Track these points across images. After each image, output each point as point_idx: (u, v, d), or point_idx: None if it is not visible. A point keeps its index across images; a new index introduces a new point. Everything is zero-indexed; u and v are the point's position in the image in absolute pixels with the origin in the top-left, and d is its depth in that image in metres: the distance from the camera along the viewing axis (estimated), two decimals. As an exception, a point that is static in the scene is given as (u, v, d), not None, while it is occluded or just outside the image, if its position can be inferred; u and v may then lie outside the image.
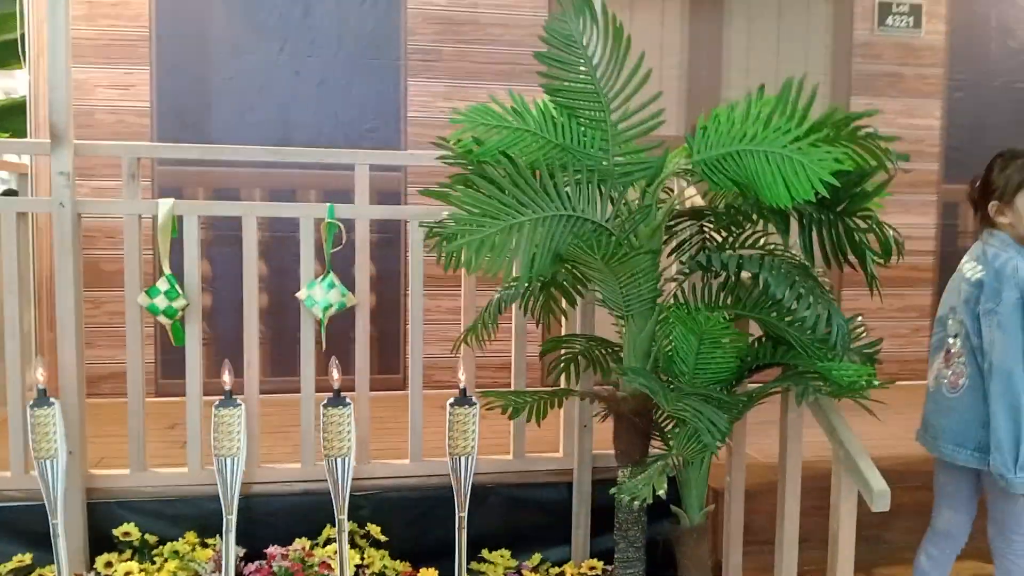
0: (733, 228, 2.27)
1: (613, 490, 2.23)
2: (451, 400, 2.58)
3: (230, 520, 2.58)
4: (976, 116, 4.70)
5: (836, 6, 4.53)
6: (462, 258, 2.09)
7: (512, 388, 2.86)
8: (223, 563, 2.57)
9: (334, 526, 2.81)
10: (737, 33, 4.42)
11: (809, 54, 4.53)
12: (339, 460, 2.57)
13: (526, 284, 2.36)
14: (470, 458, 2.60)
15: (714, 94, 4.41)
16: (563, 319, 2.72)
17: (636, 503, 1.97)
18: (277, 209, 2.98)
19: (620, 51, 2.15)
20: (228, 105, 4.01)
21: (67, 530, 2.52)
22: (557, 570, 2.88)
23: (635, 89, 2.19)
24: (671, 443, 2.24)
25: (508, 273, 2.05)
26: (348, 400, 2.56)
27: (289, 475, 2.83)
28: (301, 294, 2.76)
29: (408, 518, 2.90)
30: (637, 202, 2.21)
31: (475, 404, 2.59)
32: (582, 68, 2.16)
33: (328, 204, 2.76)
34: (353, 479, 2.69)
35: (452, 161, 2.31)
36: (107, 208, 2.70)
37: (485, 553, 2.88)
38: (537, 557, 2.93)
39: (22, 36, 3.83)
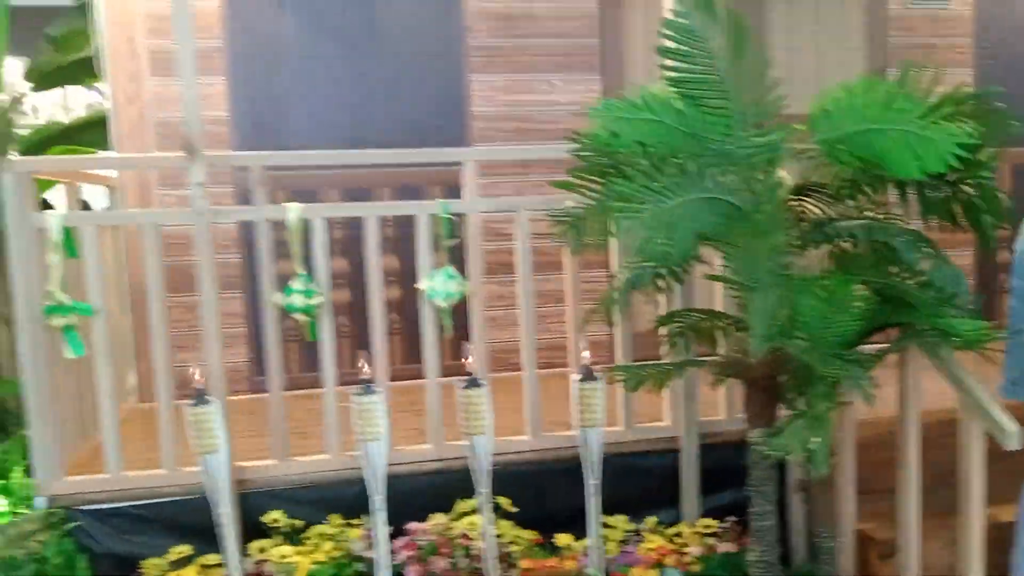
0: (845, 201, 2.46)
1: (761, 446, 2.42)
2: (577, 376, 2.77)
3: (378, 500, 2.76)
4: (1004, 81, 4.90)
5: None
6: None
7: (620, 363, 3.04)
8: (375, 541, 2.75)
9: (465, 500, 3.01)
10: (778, 14, 4.59)
11: (846, 30, 4.71)
12: (478, 438, 2.75)
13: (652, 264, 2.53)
14: (597, 429, 2.79)
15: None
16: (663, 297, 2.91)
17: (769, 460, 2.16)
18: (395, 208, 3.14)
19: (741, 41, 2.32)
20: (300, 109, 4.15)
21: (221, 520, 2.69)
22: (673, 530, 3.08)
23: (755, 76, 2.35)
24: (798, 404, 2.43)
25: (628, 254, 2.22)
26: (483, 382, 2.74)
27: (422, 455, 3.00)
28: (422, 285, 2.93)
29: (529, 490, 3.07)
30: (759, 182, 2.38)
31: (599, 379, 2.78)
32: (704, 59, 2.33)
33: (441, 201, 2.93)
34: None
35: (580, 154, 2.47)
36: (239, 215, 2.85)
37: (605, 518, 3.07)
38: (652, 519, 3.12)
39: (97, 52, 3.95)
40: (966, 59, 4.83)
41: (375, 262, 2.90)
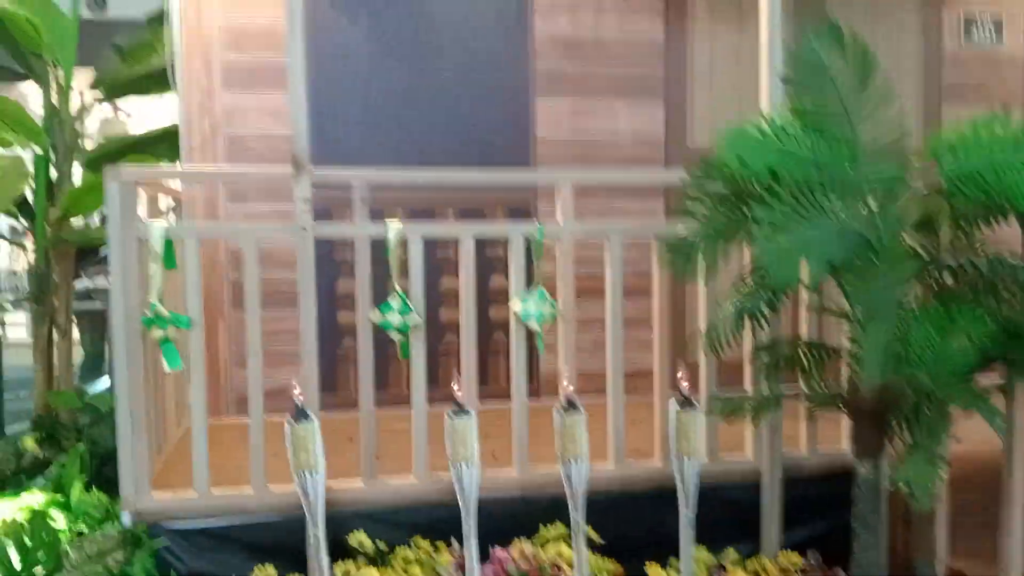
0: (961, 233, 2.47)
1: (870, 478, 2.40)
2: (675, 405, 2.75)
3: (471, 524, 2.73)
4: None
5: (924, 22, 4.76)
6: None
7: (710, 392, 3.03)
8: (468, 566, 2.71)
9: (549, 527, 2.98)
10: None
11: (902, 67, 4.75)
12: (574, 462, 2.72)
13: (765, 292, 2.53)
14: (695, 460, 2.77)
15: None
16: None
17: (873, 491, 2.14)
18: (490, 228, 3.13)
19: (867, 72, 2.34)
20: (370, 128, 4.15)
21: (315, 539, 2.65)
22: (755, 563, 3.05)
23: (878, 107, 2.36)
24: (908, 436, 2.42)
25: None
26: (581, 406, 2.72)
27: (505, 480, 2.96)
28: (516, 307, 2.91)
29: (609, 518, 3.04)
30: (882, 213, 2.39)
31: (698, 408, 2.76)
32: (829, 91, 2.34)
33: (538, 223, 2.93)
34: (558, 483, 2.86)
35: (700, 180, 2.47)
36: (341, 231, 2.83)
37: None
38: (732, 552, 3.09)
39: (171, 65, 3.95)
40: (1018, 99, 4.89)
41: (469, 282, 2.89)
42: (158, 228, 2.65)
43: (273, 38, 4.02)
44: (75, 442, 4.10)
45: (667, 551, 3.00)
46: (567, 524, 2.98)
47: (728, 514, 3.16)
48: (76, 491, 3.57)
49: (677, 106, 4.45)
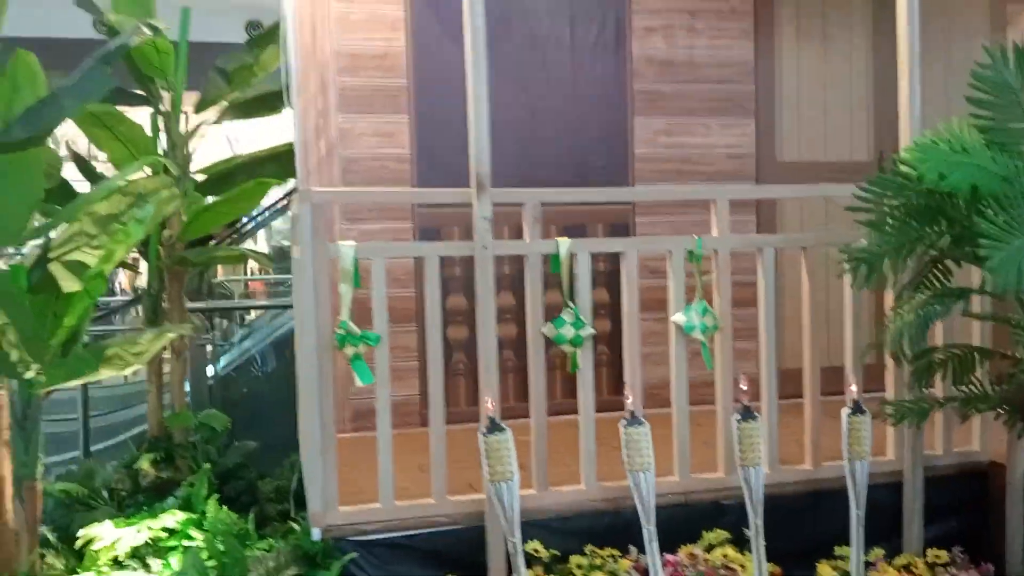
0: None
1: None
2: (847, 409, 2.86)
3: (651, 530, 2.81)
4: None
5: (991, 41, 4.95)
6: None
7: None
8: (651, 570, 2.79)
9: (709, 532, 3.06)
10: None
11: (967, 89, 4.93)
12: (753, 470, 2.82)
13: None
14: (864, 462, 2.88)
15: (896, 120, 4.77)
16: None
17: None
18: (653, 243, 3.23)
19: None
20: (477, 148, 4.23)
21: (492, 549, 2.73)
22: (902, 560, 3.16)
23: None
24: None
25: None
26: (758, 414, 2.82)
27: (669, 487, 3.05)
28: (678, 319, 3.01)
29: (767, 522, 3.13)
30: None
31: (867, 412, 2.88)
32: (1014, 109, 2.48)
33: (696, 237, 3.03)
34: (721, 488, 2.97)
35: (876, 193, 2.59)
36: (516, 249, 2.92)
37: (837, 550, 3.14)
38: (877, 551, 3.20)
39: (287, 88, 4.00)
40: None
41: (633, 295, 2.98)
42: (348, 249, 2.72)
43: (386, 61, 4.11)
44: (190, 462, 4.11)
45: (819, 552, 3.11)
46: (725, 528, 3.08)
47: (870, 514, 3.28)
48: (211, 510, 3.60)
49: (767, 122, 4.59)
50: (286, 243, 12.92)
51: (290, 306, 5.96)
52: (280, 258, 8.23)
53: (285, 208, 6.73)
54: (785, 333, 3.98)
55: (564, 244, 2.90)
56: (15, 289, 2.68)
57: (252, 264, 9.26)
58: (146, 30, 3.17)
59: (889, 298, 3.07)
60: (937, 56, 4.80)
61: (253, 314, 6.84)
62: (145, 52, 3.82)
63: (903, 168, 2.66)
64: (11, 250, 3.06)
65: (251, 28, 11.33)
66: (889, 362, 3.16)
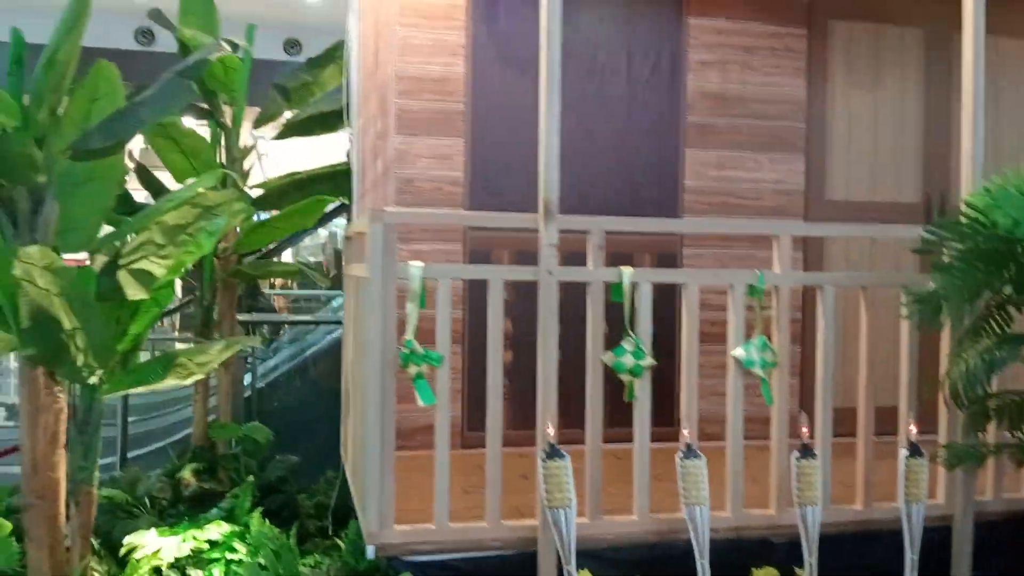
0: None
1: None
2: (905, 451, 2.85)
3: (704, 565, 2.80)
4: None
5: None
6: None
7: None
8: (704, 604, 2.77)
9: (758, 568, 3.04)
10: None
11: (1018, 130, 4.94)
12: (810, 508, 2.81)
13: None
14: (920, 505, 2.86)
15: (945, 163, 4.79)
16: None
17: None
18: (713, 276, 3.24)
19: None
20: (530, 172, 4.26)
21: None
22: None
23: None
24: None
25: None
26: (815, 453, 2.81)
27: (720, 522, 3.03)
28: (738, 353, 3.02)
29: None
30: None
31: (925, 455, 2.86)
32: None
33: (758, 271, 3.05)
34: (771, 525, 2.96)
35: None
36: (580, 276, 2.94)
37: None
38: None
39: (347, 108, 4.08)
40: None
41: (693, 325, 2.99)
42: (416, 269, 2.75)
43: (445, 85, 4.16)
44: (232, 473, 4.14)
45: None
46: (774, 565, 3.06)
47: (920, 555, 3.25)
48: (255, 523, 3.61)
49: (816, 160, 4.61)
50: (312, 259, 13.04)
51: (337, 322, 6.06)
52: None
53: (318, 225, 6.82)
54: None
55: (627, 273, 2.92)
56: (86, 295, 2.73)
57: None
58: (226, 46, 3.23)
59: (944, 340, 3.08)
60: (986, 100, 4.82)
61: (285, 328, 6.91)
62: (212, 67, 3.91)
63: (970, 212, 2.67)
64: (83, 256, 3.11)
65: (290, 47, 11.50)
66: (942, 404, 3.15)
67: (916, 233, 2.94)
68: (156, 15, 4.08)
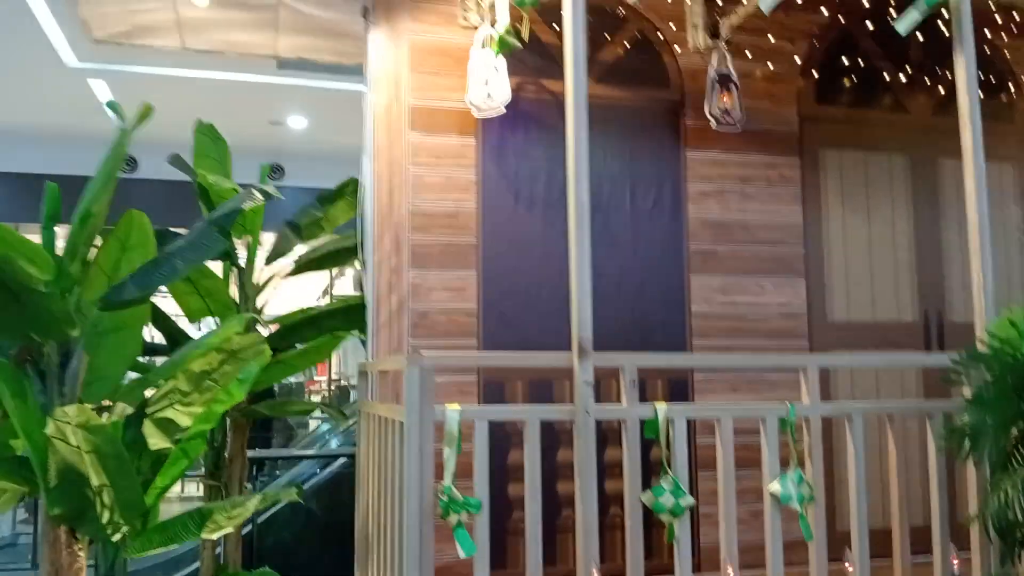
0: None
1: None
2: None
3: None
4: None
5: (1025, 209, 5.20)
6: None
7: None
8: None
9: None
10: (953, 232, 5.00)
11: (1011, 249, 5.13)
12: (862, 647, 2.74)
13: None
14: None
15: (939, 283, 4.93)
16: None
17: None
18: (748, 410, 3.25)
19: None
20: (541, 303, 4.32)
21: None
22: None
23: None
24: None
25: None
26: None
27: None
28: (774, 488, 3.00)
29: None
30: None
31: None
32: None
33: (789, 404, 3.07)
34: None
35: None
36: (616, 413, 2.94)
37: None
38: None
39: (362, 243, 4.13)
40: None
41: (728, 460, 2.98)
42: (454, 412, 2.73)
43: (457, 220, 4.24)
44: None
45: None
46: None
47: None
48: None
49: (817, 283, 4.72)
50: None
51: (345, 455, 5.94)
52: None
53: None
54: (835, 496, 3.98)
55: (662, 409, 2.92)
56: (119, 451, 2.67)
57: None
58: (258, 195, 3.29)
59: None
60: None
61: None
62: (225, 199, 3.96)
63: (994, 343, 2.74)
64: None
65: (272, 171, 11.75)
66: (974, 530, 3.14)
67: (936, 361, 3.00)
68: (176, 160, 4.16)
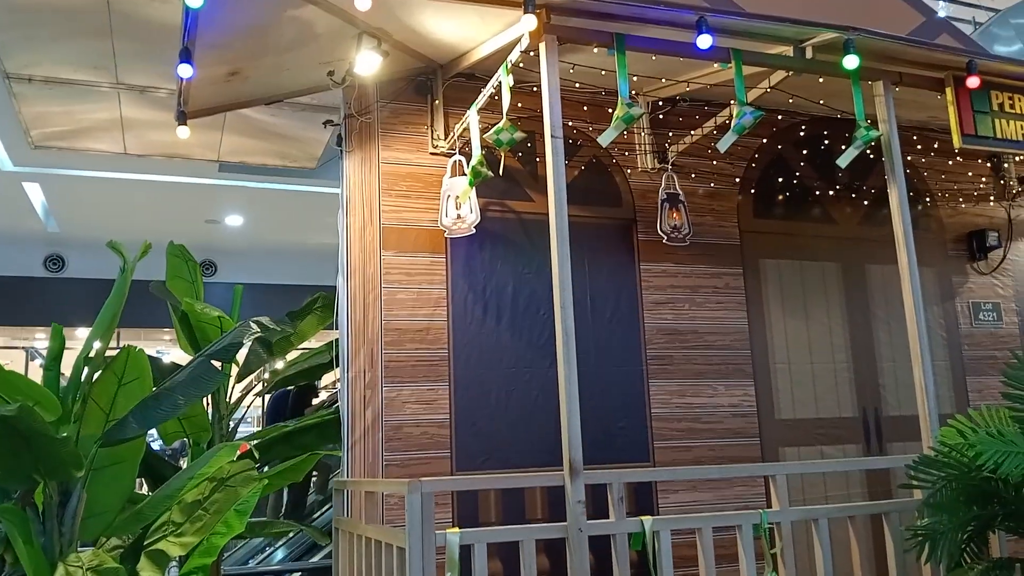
0: None
1: None
2: None
3: None
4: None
5: (944, 308, 5.66)
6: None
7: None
8: None
9: None
10: (883, 332, 5.41)
11: (935, 346, 5.55)
12: None
13: None
14: None
15: (874, 380, 5.31)
16: None
17: None
18: (724, 519, 3.42)
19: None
20: (511, 410, 4.48)
21: None
22: None
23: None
24: None
25: None
26: None
27: None
28: (753, 593, 3.18)
29: None
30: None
31: None
32: (1038, 401, 2.91)
33: (762, 512, 3.28)
34: None
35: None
36: (606, 528, 3.09)
37: None
38: None
39: (336, 357, 4.23)
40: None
41: (710, 568, 3.15)
42: (454, 536, 2.84)
43: (429, 335, 4.40)
44: None
45: None
46: None
47: None
48: None
49: (764, 384, 5.03)
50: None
51: (313, 568, 5.86)
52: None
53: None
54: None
55: (647, 522, 3.09)
56: (125, 590, 2.67)
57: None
58: (255, 327, 3.39)
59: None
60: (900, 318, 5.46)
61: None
62: (207, 328, 4.02)
63: (943, 450, 3.02)
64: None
65: (205, 268, 11.71)
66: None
67: (889, 463, 3.26)
68: (159, 288, 4.22)
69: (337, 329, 4.30)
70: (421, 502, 2.82)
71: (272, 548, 6.71)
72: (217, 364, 3.02)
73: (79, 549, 2.79)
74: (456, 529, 2.87)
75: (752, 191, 5.22)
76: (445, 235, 4.40)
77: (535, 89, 3.63)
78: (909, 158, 5.54)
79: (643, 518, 3.11)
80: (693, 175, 5.06)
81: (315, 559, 5.83)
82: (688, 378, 4.90)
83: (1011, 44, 7.51)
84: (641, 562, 3.12)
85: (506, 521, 4.06)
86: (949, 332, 5.65)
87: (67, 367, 3.25)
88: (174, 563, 3.17)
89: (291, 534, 6.09)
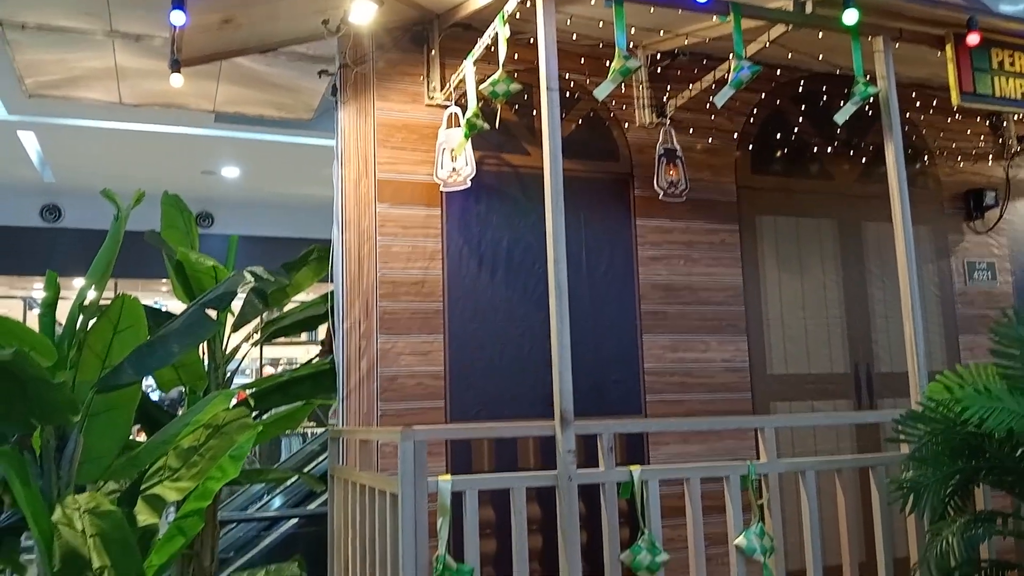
0: None
1: None
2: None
3: None
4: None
5: (939, 266, 5.67)
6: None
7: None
8: None
9: None
10: (877, 289, 5.44)
11: (929, 304, 5.59)
12: None
13: None
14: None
15: (867, 336, 5.34)
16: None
17: None
18: (711, 469, 3.48)
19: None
20: (504, 363, 4.51)
21: None
22: None
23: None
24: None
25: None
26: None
27: None
28: (740, 542, 3.24)
29: None
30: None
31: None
32: (1025, 358, 2.94)
33: (749, 463, 3.33)
34: None
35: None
36: (595, 478, 3.14)
37: None
38: None
39: (332, 311, 4.25)
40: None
41: (697, 518, 3.21)
42: (446, 483, 2.89)
43: (423, 287, 4.42)
44: None
45: None
46: None
47: None
48: None
49: (757, 339, 5.06)
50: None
51: (310, 515, 5.95)
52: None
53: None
54: (789, 537, 4.28)
55: (636, 472, 3.14)
56: (122, 534, 2.72)
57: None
58: (249, 277, 3.40)
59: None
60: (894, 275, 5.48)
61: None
62: (203, 277, 4.03)
63: (931, 405, 3.06)
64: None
65: (202, 220, 11.70)
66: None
67: (878, 417, 3.31)
68: (154, 237, 4.21)
69: (332, 281, 4.31)
70: (414, 449, 2.86)
71: (270, 496, 6.82)
72: (212, 313, 3.04)
73: (76, 493, 2.84)
74: (448, 476, 2.92)
75: (750, 147, 5.19)
76: (440, 188, 4.39)
77: (532, 41, 3.59)
78: (908, 115, 5.51)
79: (632, 467, 3.15)
80: (691, 130, 5.03)
81: (311, 506, 5.94)
82: (681, 332, 4.93)
83: (1018, 3, 7.42)
84: (631, 511, 3.19)
85: (499, 471, 4.12)
86: (943, 290, 5.67)
87: (64, 317, 3.28)
88: (172, 507, 3.23)
89: (288, 482, 6.22)
